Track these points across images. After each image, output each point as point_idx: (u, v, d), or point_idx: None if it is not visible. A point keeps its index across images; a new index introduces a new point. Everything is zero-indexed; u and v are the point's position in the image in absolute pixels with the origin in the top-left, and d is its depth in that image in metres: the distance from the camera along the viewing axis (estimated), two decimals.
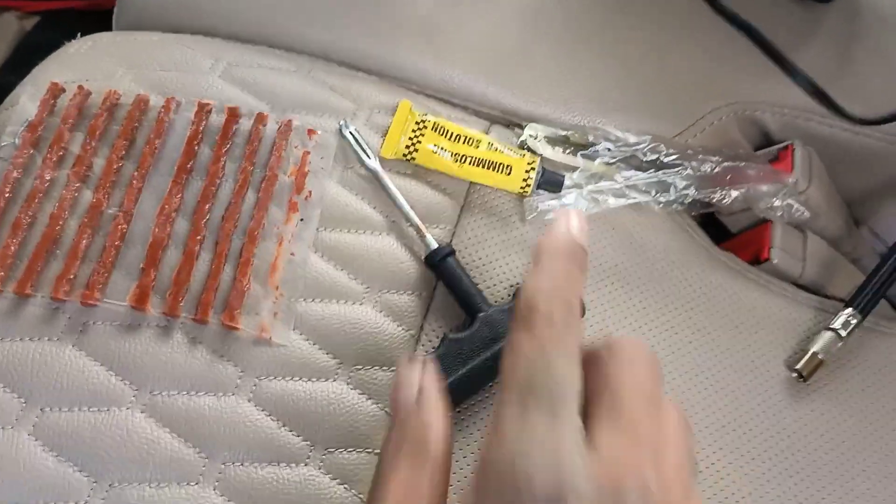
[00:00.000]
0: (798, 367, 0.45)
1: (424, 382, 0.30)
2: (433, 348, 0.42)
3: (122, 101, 0.44)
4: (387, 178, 0.45)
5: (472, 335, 0.41)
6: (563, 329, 0.27)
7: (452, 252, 0.43)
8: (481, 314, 0.42)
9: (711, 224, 0.54)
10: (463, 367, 0.40)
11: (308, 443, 0.39)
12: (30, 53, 0.53)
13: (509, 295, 0.44)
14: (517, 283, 0.44)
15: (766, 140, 0.55)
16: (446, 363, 0.40)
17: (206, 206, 0.42)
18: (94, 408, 0.37)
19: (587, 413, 0.26)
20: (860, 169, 0.55)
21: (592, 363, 0.27)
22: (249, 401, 0.39)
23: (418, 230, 0.44)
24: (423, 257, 0.44)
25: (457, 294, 0.43)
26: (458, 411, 0.41)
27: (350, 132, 0.46)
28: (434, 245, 0.43)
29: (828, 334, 0.46)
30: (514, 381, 0.26)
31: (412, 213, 0.44)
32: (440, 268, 0.43)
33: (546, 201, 0.47)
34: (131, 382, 0.38)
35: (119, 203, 0.41)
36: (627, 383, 0.27)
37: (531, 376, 0.26)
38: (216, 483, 0.37)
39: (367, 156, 0.45)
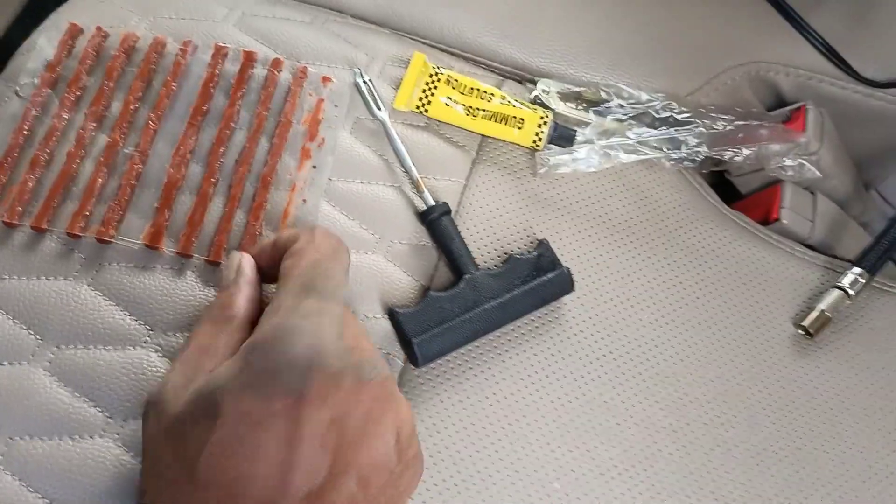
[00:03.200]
0: (805, 323, 0.46)
1: (242, 266, 0.35)
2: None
3: (139, 45, 0.44)
4: (393, 131, 0.45)
5: (453, 295, 0.41)
6: (339, 246, 0.34)
7: (448, 212, 0.43)
8: (466, 276, 0.42)
9: (722, 186, 0.55)
10: (439, 325, 0.40)
11: None
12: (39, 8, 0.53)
13: (503, 262, 0.43)
14: (511, 252, 0.44)
15: (778, 101, 0.55)
16: (423, 319, 0.40)
17: (221, 150, 0.42)
18: (110, 346, 0.38)
19: None
20: (871, 132, 0.55)
21: None
22: None
23: (417, 185, 0.44)
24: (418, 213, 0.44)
25: (445, 253, 0.43)
26: (432, 367, 0.41)
27: (365, 81, 0.46)
28: (430, 202, 0.43)
29: (836, 292, 0.47)
30: (296, 276, 0.32)
31: (413, 168, 0.44)
32: (433, 226, 0.43)
33: (558, 156, 0.47)
34: (145, 322, 0.38)
35: (135, 144, 0.41)
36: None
37: (312, 275, 0.32)
38: None
39: (378, 107, 0.46)
